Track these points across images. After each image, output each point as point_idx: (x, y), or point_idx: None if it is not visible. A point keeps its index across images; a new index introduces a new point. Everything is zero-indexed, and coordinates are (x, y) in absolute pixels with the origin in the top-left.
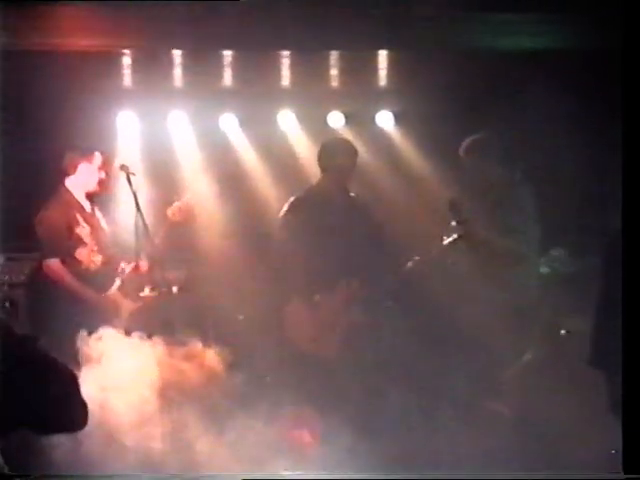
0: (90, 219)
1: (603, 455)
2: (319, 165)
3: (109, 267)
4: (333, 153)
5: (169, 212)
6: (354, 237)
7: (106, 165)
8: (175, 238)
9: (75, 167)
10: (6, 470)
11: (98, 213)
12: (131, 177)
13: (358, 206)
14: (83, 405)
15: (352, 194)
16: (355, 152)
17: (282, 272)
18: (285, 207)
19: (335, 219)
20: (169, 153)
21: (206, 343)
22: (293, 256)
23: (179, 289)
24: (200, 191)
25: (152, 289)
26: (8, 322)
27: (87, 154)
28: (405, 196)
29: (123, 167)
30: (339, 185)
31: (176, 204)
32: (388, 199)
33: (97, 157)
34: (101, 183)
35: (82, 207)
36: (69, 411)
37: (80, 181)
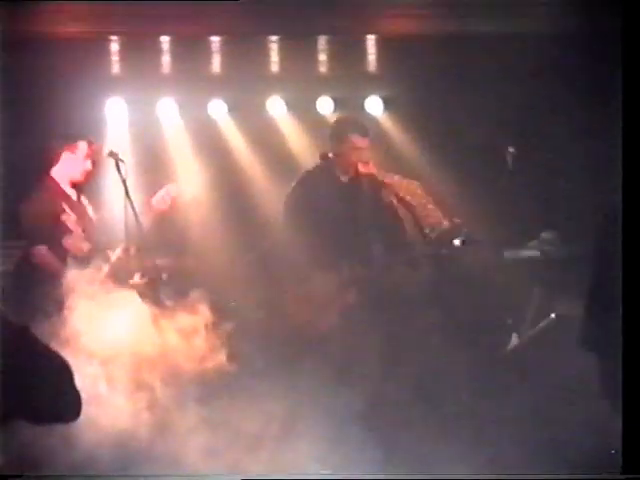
0: (76, 207)
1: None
2: (330, 141)
3: (97, 254)
4: (345, 133)
5: (153, 201)
6: (359, 219)
7: (92, 154)
8: (162, 226)
9: (58, 156)
10: None
11: (85, 200)
12: (120, 164)
13: (365, 183)
14: (76, 395)
15: (362, 177)
16: (369, 131)
17: (286, 248)
18: (294, 182)
19: (342, 197)
20: (158, 140)
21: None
22: (299, 231)
23: (169, 276)
24: (189, 177)
25: (142, 276)
26: (2, 311)
27: (69, 144)
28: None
29: (112, 154)
30: (351, 165)
31: (160, 193)
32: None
33: (81, 147)
34: (86, 173)
35: (67, 195)
36: (62, 401)
37: (64, 170)
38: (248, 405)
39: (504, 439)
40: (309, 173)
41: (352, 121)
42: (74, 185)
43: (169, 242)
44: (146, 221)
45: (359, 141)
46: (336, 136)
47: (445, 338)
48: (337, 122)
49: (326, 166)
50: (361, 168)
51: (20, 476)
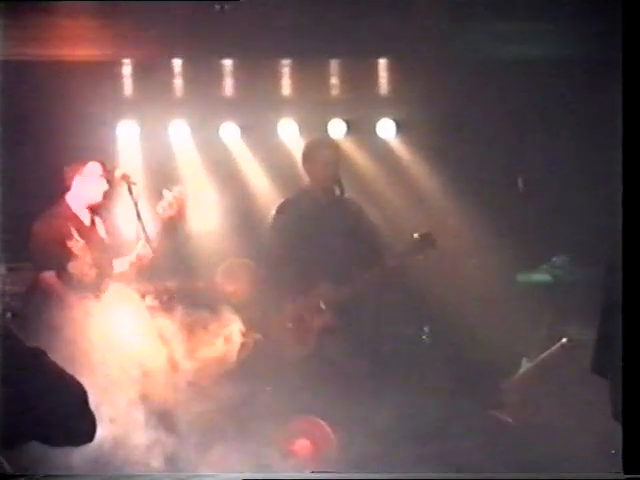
0: (87, 232)
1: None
2: (304, 169)
3: (106, 279)
4: (314, 155)
5: (159, 209)
6: (337, 237)
7: (107, 174)
8: (172, 235)
9: (70, 181)
10: (8, 470)
11: (99, 224)
12: (132, 187)
13: (342, 205)
14: (91, 417)
15: (337, 193)
16: (337, 148)
17: (271, 274)
18: (274, 210)
19: (321, 220)
20: (170, 162)
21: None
22: (280, 257)
23: (179, 298)
24: (200, 200)
25: (153, 298)
26: (16, 334)
27: (78, 166)
28: (405, 202)
29: (124, 176)
30: (325, 185)
31: (166, 199)
32: (387, 205)
33: (92, 167)
34: (104, 194)
35: (79, 220)
36: (77, 424)
37: (78, 194)
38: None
39: (505, 440)
40: (287, 201)
41: (319, 140)
42: (93, 207)
43: (178, 257)
44: (156, 230)
45: (327, 157)
46: (306, 156)
47: (453, 361)
48: (307, 144)
49: (303, 191)
50: (337, 190)
51: (20, 476)
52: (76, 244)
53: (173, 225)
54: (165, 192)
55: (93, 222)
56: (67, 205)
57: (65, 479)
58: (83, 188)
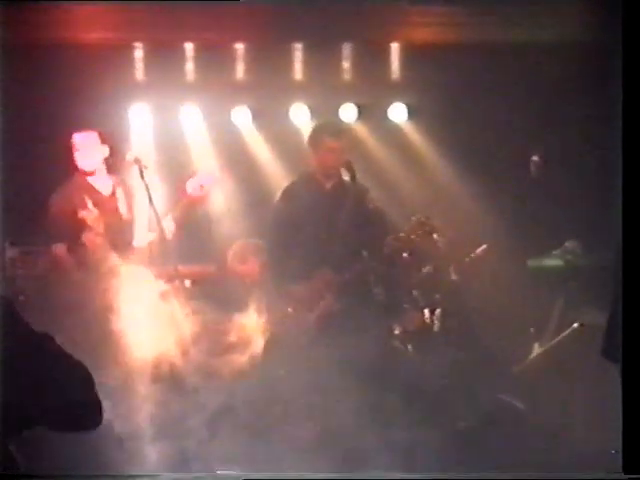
0: (103, 202)
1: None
2: (310, 152)
3: (118, 252)
4: (319, 140)
5: (189, 188)
6: (341, 221)
7: (108, 142)
8: (193, 217)
9: (72, 145)
10: (21, 469)
11: (120, 195)
12: (143, 170)
13: (347, 189)
14: (98, 404)
15: (345, 177)
16: (343, 133)
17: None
18: (279, 194)
19: (325, 204)
20: (181, 146)
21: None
22: (284, 243)
23: (192, 282)
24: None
25: (165, 283)
26: (24, 318)
27: (78, 129)
28: (416, 187)
29: (136, 160)
30: (329, 169)
31: (196, 179)
32: (398, 189)
33: (91, 135)
34: (105, 159)
35: (95, 190)
36: (84, 410)
37: (84, 159)
38: None
39: (505, 439)
40: (293, 184)
41: (326, 125)
42: (95, 174)
43: (191, 240)
44: (177, 209)
45: (332, 143)
46: (312, 141)
47: (464, 346)
48: (313, 128)
49: (309, 174)
50: (343, 174)
51: (20, 476)
52: (89, 214)
53: (194, 208)
54: (199, 171)
55: (114, 193)
56: (81, 176)
57: (68, 479)
58: (83, 152)
